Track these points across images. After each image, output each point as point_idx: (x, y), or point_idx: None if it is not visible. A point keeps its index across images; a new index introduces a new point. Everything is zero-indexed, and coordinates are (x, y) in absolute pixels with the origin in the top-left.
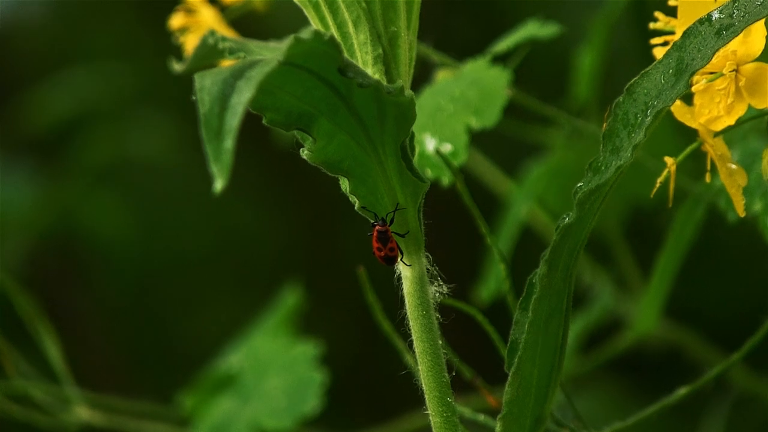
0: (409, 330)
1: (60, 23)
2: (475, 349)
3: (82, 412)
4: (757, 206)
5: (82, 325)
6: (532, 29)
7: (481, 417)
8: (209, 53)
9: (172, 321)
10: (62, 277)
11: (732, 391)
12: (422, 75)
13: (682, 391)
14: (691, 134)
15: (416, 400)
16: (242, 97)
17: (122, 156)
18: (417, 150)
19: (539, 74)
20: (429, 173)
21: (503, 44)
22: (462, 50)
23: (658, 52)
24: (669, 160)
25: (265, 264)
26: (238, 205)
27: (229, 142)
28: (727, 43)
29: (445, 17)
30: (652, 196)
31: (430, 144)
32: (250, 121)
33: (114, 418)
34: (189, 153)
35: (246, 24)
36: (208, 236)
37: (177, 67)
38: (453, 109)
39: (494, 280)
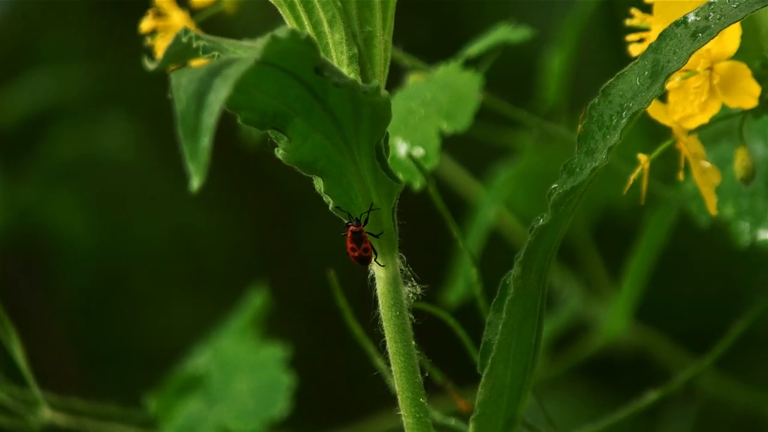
0: (379, 331)
1: (22, 23)
2: (443, 351)
3: (46, 414)
4: (729, 210)
5: (43, 325)
6: (503, 33)
7: (452, 421)
8: (183, 51)
9: (133, 320)
10: (23, 277)
11: (700, 395)
12: (393, 79)
13: (652, 395)
14: (662, 137)
15: (384, 401)
16: (219, 95)
17: (83, 155)
18: (389, 153)
19: (508, 77)
20: (401, 177)
21: (474, 48)
22: (428, 53)
23: (633, 50)
24: (642, 158)
25: (225, 263)
26: (199, 203)
27: (205, 141)
28: (703, 45)
29: (411, 20)
30: (624, 194)
31: (401, 148)
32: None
33: (77, 419)
34: (150, 153)
35: (214, 26)
36: (168, 235)
37: (149, 65)
38: (424, 113)
39: (462, 283)
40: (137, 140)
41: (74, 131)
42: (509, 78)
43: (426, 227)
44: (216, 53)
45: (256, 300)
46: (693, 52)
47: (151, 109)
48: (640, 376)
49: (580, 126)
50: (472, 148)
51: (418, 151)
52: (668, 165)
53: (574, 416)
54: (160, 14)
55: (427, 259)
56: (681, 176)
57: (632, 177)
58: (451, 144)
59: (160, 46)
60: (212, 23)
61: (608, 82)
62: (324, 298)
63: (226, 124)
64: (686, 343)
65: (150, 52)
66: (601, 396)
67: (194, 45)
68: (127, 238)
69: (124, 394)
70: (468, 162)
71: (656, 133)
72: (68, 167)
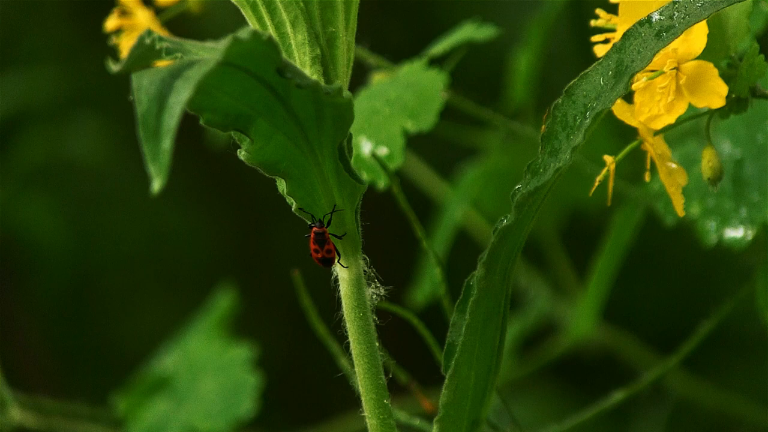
0: (345, 332)
1: (2, 25)
2: (408, 352)
3: (15, 414)
4: (695, 210)
5: (16, 327)
6: (468, 31)
7: (417, 421)
8: (146, 53)
9: (106, 323)
10: None
11: (671, 397)
12: (358, 77)
13: (618, 395)
14: (628, 137)
15: (352, 402)
16: (180, 97)
17: (56, 158)
18: (353, 153)
19: (475, 76)
20: (365, 177)
21: (439, 47)
22: (397, 53)
23: (599, 50)
24: (608, 159)
25: (197, 265)
26: (171, 206)
27: (167, 143)
28: (667, 45)
29: (379, 20)
30: (590, 194)
31: (366, 147)
32: (182, 122)
33: (47, 419)
34: (122, 155)
35: (180, 25)
36: (140, 238)
37: (113, 67)
38: (389, 112)
39: (429, 283)
40: (111, 143)
41: (47, 134)
42: (481, 78)
43: (397, 227)
44: (179, 54)
45: (224, 301)
46: (657, 52)
47: (124, 111)
48: (610, 376)
49: (543, 126)
50: (441, 148)
51: (383, 151)
52: (636, 165)
53: (542, 417)
54: (125, 13)
55: (398, 259)
56: (647, 177)
57: (599, 178)
58: (419, 144)
59: (126, 45)
60: (183, 23)
61: (572, 83)
62: (297, 299)
63: (197, 126)
64: (656, 344)
65: (116, 53)
66: (570, 397)
67: (157, 47)
68: (101, 241)
69: (98, 395)
70: (437, 162)
71: (626, 134)
72: (41, 170)
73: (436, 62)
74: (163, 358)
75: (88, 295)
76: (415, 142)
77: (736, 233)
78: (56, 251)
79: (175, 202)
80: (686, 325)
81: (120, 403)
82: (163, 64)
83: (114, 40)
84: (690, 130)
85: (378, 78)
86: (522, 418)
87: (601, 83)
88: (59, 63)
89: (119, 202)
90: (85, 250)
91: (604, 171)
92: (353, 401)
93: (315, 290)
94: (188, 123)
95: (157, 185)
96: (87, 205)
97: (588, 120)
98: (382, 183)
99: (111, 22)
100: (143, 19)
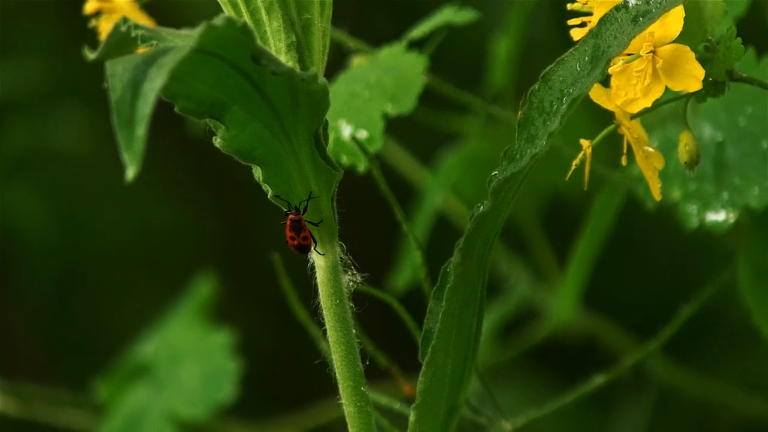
0: (322, 320)
1: None
2: (393, 338)
3: None
4: (676, 193)
5: (2, 316)
6: (447, 15)
7: (397, 405)
8: (122, 41)
9: (93, 312)
10: None
11: (654, 383)
12: (338, 61)
13: (598, 380)
14: (607, 122)
15: (334, 389)
16: (154, 84)
17: (40, 148)
18: (332, 137)
19: (457, 62)
20: (345, 160)
21: (419, 30)
22: (377, 36)
23: (575, 34)
24: (585, 143)
25: (184, 255)
26: (157, 197)
27: (141, 130)
28: (644, 30)
29: (360, 3)
30: (566, 179)
31: (345, 130)
32: (167, 112)
33: (28, 405)
34: (107, 146)
35: (159, 9)
36: (127, 228)
37: (90, 55)
38: (369, 96)
39: (410, 269)
40: (96, 134)
41: (32, 125)
42: (464, 65)
43: (379, 214)
44: (155, 42)
45: (204, 288)
46: (634, 37)
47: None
48: (591, 362)
49: (520, 112)
50: (422, 134)
51: (362, 134)
52: (616, 149)
53: (524, 402)
54: None
55: (379, 245)
56: (624, 161)
57: (575, 162)
58: (400, 131)
59: (105, 28)
60: (161, 7)
61: (548, 68)
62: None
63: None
64: (638, 329)
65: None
66: (551, 382)
67: (133, 34)
68: (88, 231)
69: (85, 383)
70: (418, 149)
71: (605, 119)
72: (26, 161)
73: (416, 46)
74: (144, 344)
75: (74, 284)
76: (396, 129)
77: (717, 217)
78: (42, 241)
79: (161, 192)
80: (669, 310)
81: (101, 389)
82: (141, 51)
83: (93, 22)
84: (670, 113)
85: (358, 62)
86: (503, 403)
87: (578, 69)
88: (46, 54)
89: (105, 193)
90: (71, 239)
91: (580, 155)
92: (336, 388)
93: (301, 277)
94: (172, 112)
95: (131, 173)
96: (72, 195)
97: (564, 106)
98: (361, 166)
99: (90, 5)
100: (122, 2)
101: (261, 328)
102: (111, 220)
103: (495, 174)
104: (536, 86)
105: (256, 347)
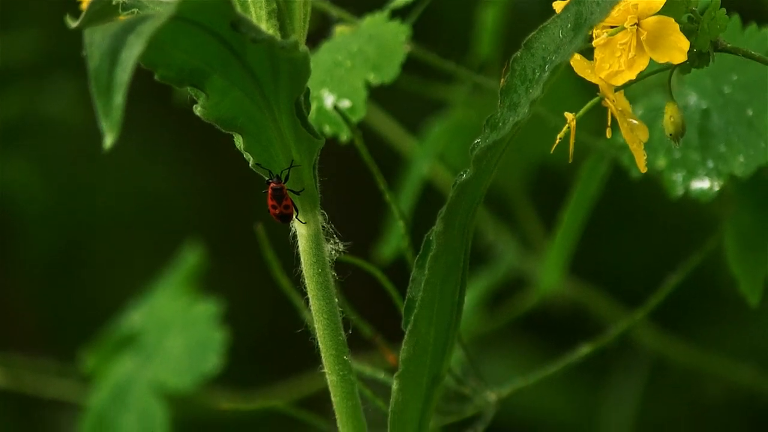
0: (305, 288)
1: None
2: (378, 308)
3: None
4: (661, 162)
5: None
6: None
7: (382, 375)
8: (103, 9)
9: (90, 282)
10: None
11: (643, 353)
12: (321, 30)
13: (584, 349)
14: (594, 90)
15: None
16: (132, 52)
17: (34, 117)
18: (315, 106)
19: (446, 32)
20: (327, 129)
21: None
22: (361, 5)
23: (558, 6)
24: (569, 116)
25: (180, 225)
26: (152, 166)
27: (119, 98)
28: None
29: None
30: (552, 152)
31: (328, 100)
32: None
33: (16, 376)
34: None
35: None
36: (123, 198)
37: (72, 23)
38: (351, 65)
39: (396, 238)
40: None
41: (27, 94)
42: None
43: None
44: (135, 10)
45: (191, 258)
46: (616, 4)
47: None
48: (579, 331)
49: (502, 80)
50: (408, 103)
51: (345, 103)
52: (602, 118)
53: (511, 371)
54: None
55: (367, 215)
56: (609, 133)
57: (559, 135)
58: (386, 100)
59: None
60: None
61: (531, 35)
62: (282, 259)
63: None
64: (626, 298)
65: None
66: (539, 351)
67: (114, 1)
68: (84, 201)
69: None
70: (405, 118)
71: (593, 88)
72: (20, 130)
73: (400, 15)
74: (132, 314)
75: (70, 253)
76: (382, 98)
77: (702, 185)
78: (38, 210)
79: (155, 161)
80: (658, 279)
81: (88, 359)
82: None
83: None
84: (656, 83)
85: (340, 30)
86: (490, 372)
87: (560, 36)
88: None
89: (100, 162)
90: (66, 209)
91: (564, 128)
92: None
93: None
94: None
95: (108, 140)
96: (68, 165)
97: (547, 73)
98: (344, 136)
99: None
100: None
101: (254, 296)
102: (107, 189)
103: (477, 142)
104: (519, 53)
105: (252, 316)
